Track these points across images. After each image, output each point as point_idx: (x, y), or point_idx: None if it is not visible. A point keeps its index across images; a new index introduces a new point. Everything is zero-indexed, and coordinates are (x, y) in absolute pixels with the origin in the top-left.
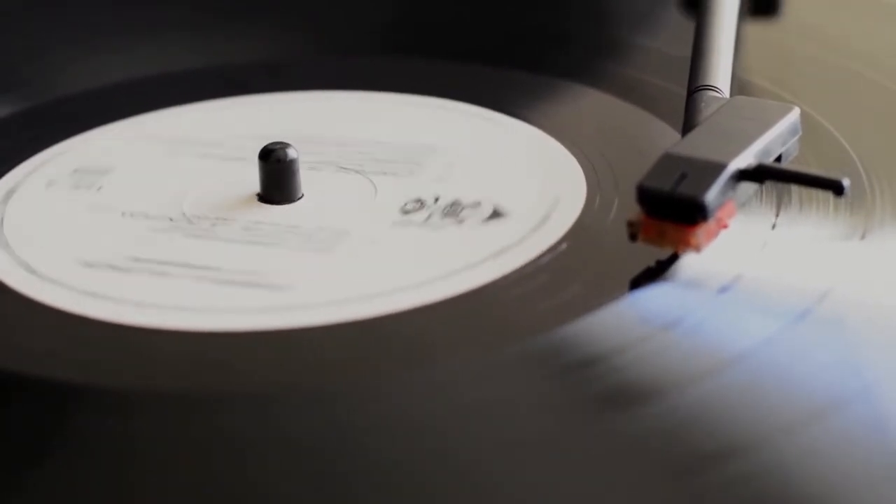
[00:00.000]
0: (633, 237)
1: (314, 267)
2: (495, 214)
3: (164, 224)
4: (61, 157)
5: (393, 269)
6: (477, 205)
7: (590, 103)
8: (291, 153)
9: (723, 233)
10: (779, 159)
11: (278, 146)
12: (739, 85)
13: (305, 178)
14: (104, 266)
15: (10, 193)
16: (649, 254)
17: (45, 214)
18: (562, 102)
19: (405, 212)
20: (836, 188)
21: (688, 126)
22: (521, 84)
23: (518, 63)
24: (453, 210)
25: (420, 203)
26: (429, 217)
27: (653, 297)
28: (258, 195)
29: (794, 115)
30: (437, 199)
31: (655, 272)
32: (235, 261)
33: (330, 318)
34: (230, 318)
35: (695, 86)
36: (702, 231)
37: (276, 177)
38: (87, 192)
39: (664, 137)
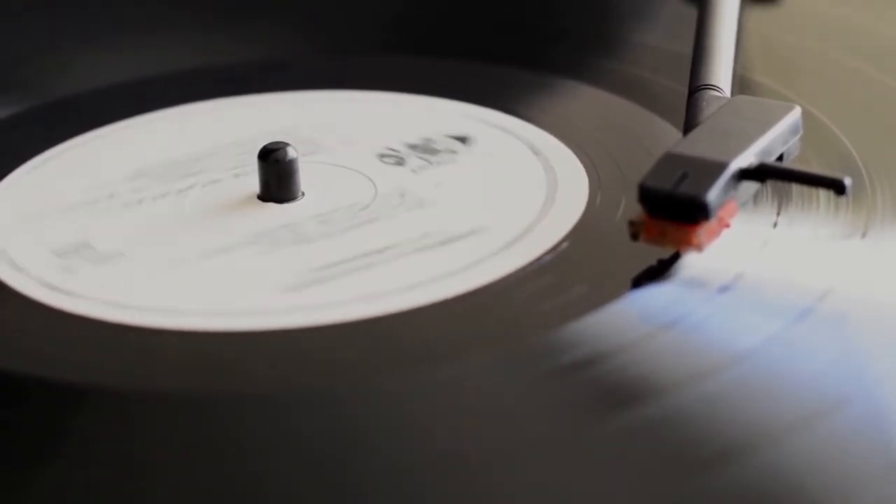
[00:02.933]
0: (634, 237)
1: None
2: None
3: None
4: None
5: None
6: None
7: (591, 101)
8: (291, 153)
9: (724, 232)
10: (780, 158)
11: (278, 146)
12: (741, 82)
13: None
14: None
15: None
16: (651, 253)
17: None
18: (563, 101)
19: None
20: (838, 187)
21: (689, 125)
22: (520, 82)
23: (518, 61)
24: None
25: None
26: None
27: (654, 296)
28: (258, 195)
29: (796, 114)
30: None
31: (657, 271)
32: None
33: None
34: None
35: (696, 85)
36: (703, 230)
37: (276, 176)
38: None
39: (665, 135)
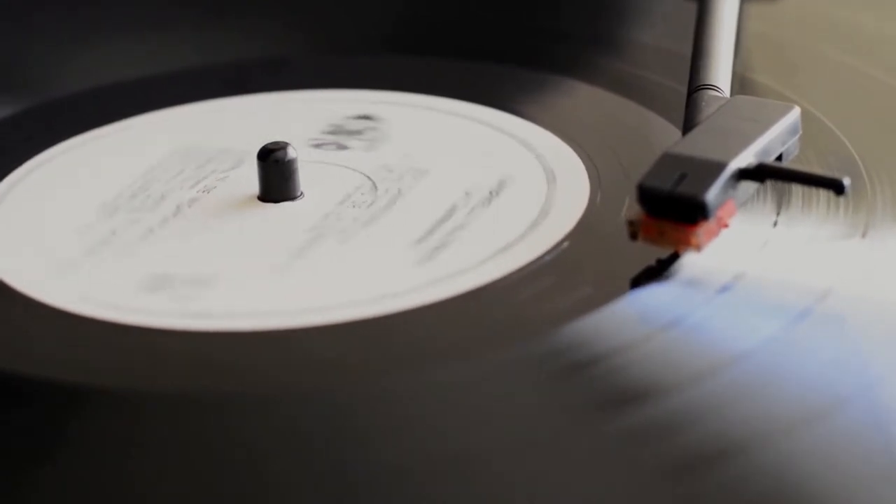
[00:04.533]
0: (633, 237)
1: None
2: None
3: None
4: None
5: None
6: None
7: (591, 101)
8: (290, 153)
9: (723, 232)
10: (779, 158)
11: (277, 146)
12: (740, 82)
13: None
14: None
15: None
16: (650, 253)
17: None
18: (563, 100)
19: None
20: (837, 187)
21: (688, 125)
22: (521, 81)
23: (518, 60)
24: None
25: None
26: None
27: (653, 296)
28: (258, 195)
29: (795, 114)
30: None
31: (656, 272)
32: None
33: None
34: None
35: (695, 85)
36: (702, 230)
37: (276, 176)
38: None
39: (665, 134)
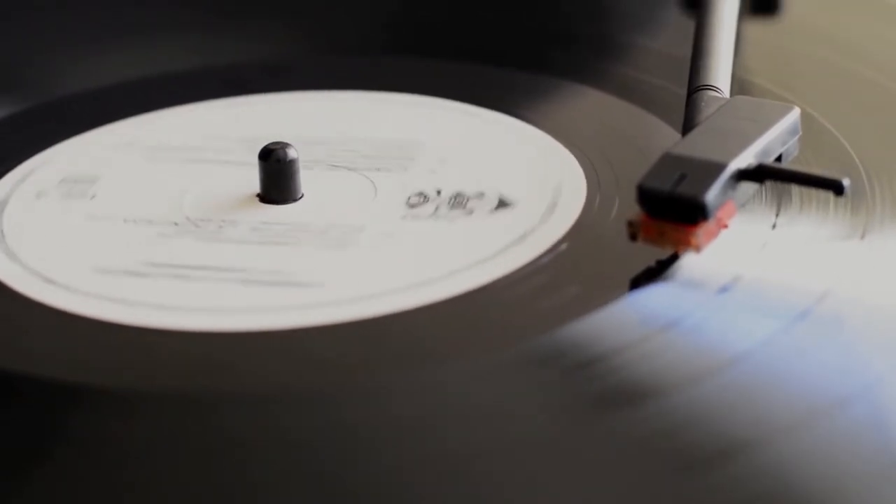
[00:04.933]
0: (633, 237)
1: (337, 264)
2: (501, 204)
3: (170, 229)
4: (48, 165)
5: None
6: (481, 196)
7: (589, 103)
8: (291, 153)
9: (723, 233)
10: (779, 159)
11: (278, 146)
12: (739, 84)
13: (305, 178)
14: (121, 272)
15: (1, 205)
16: (649, 254)
17: (44, 223)
18: (562, 102)
19: (411, 205)
20: (837, 188)
21: (688, 126)
22: (520, 84)
23: (517, 63)
24: (459, 202)
25: (423, 196)
26: (436, 209)
27: (653, 297)
28: (258, 195)
29: (794, 115)
30: (439, 192)
31: (655, 272)
32: (255, 261)
33: (330, 318)
34: (232, 318)
35: (695, 86)
36: (702, 231)
37: (277, 177)
38: (79, 201)
39: (664, 137)
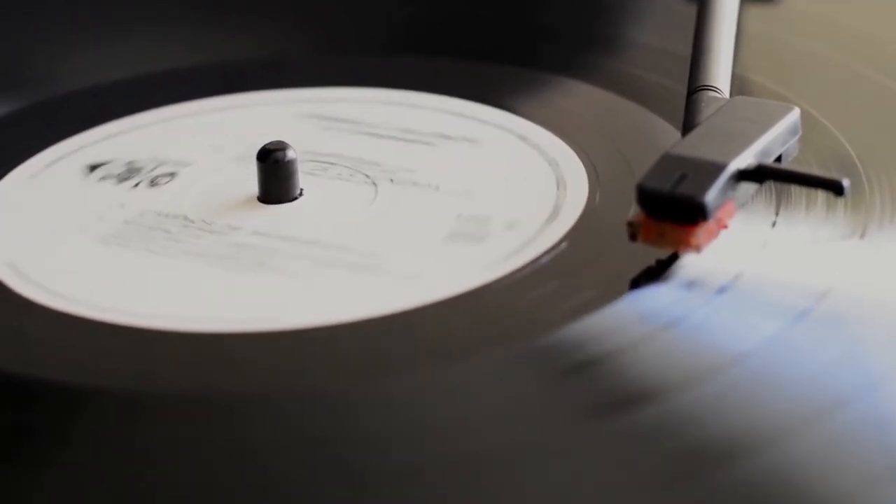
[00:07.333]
0: (632, 237)
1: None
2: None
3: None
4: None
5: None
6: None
7: (591, 101)
8: (290, 153)
9: (723, 233)
10: (779, 159)
11: (277, 146)
12: (739, 83)
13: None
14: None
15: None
16: (649, 254)
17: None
18: (563, 100)
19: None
20: (836, 188)
21: (688, 126)
22: (521, 81)
23: (517, 60)
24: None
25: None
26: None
27: (653, 297)
28: (258, 196)
29: (794, 115)
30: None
31: (655, 272)
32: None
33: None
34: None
35: (695, 86)
36: (702, 231)
37: (275, 177)
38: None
39: (664, 135)
